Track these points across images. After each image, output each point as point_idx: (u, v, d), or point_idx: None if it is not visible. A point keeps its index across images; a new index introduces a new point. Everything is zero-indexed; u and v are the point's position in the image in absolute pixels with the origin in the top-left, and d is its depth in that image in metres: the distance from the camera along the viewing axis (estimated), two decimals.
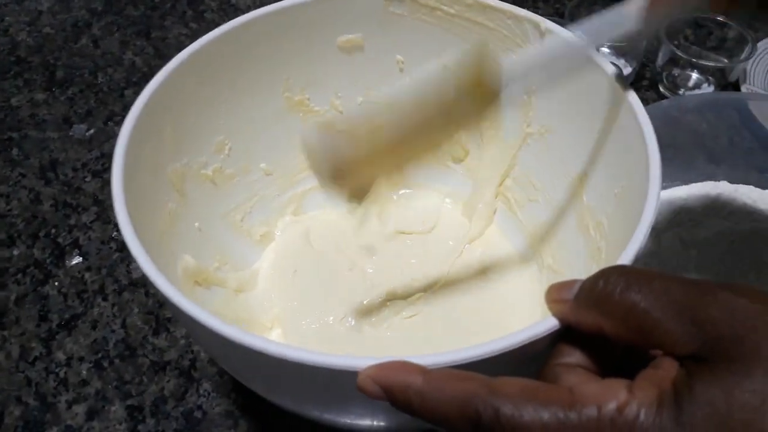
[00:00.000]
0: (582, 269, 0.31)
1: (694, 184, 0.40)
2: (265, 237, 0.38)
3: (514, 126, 0.36)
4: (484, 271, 0.36)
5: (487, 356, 0.20)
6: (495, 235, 0.38)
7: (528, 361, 0.22)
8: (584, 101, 0.32)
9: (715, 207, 0.39)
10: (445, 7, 0.34)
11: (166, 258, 0.29)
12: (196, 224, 0.33)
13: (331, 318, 0.34)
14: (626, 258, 0.23)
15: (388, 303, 0.35)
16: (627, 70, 0.53)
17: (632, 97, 0.28)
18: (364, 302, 0.35)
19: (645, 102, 0.29)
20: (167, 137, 0.31)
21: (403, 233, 0.39)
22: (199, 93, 0.33)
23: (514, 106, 0.36)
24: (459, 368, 0.20)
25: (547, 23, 0.32)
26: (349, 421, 0.25)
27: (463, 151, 0.39)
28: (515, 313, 0.34)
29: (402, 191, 0.41)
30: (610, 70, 0.29)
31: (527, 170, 0.36)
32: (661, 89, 0.53)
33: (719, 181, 0.40)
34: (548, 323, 0.21)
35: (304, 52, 0.36)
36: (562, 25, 0.52)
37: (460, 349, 0.20)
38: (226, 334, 0.21)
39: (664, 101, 0.42)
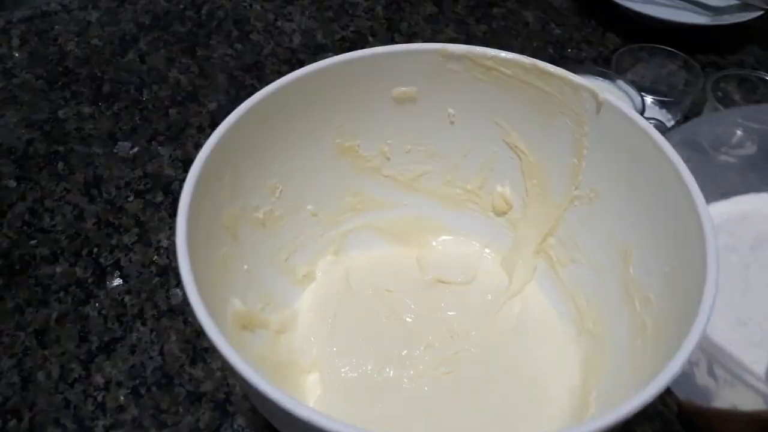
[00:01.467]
0: (624, 340, 0.32)
1: None
2: (307, 277, 0.39)
3: (562, 187, 0.36)
4: (522, 329, 0.37)
5: None
6: (534, 293, 0.38)
7: None
8: (635, 171, 0.32)
9: None
10: (501, 68, 0.35)
11: (218, 303, 0.30)
12: (245, 266, 0.34)
13: (370, 367, 0.35)
14: (684, 352, 0.23)
15: (426, 357, 0.35)
16: (670, 124, 0.53)
17: (689, 179, 0.28)
18: (403, 353, 0.36)
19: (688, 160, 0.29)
20: (226, 183, 0.32)
21: (443, 282, 0.39)
22: (258, 139, 0.33)
23: (562, 167, 0.36)
24: None
25: (605, 94, 0.32)
26: None
27: (506, 204, 0.40)
28: (551, 376, 0.34)
29: (442, 238, 0.42)
30: (671, 154, 0.29)
31: (572, 232, 0.37)
32: (705, 145, 0.53)
33: None
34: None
35: (359, 101, 0.36)
36: (607, 76, 0.52)
37: None
38: (265, 393, 0.21)
39: None
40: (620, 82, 0.50)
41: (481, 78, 0.36)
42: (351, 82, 0.35)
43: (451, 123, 0.38)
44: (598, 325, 0.34)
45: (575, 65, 0.57)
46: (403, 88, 0.36)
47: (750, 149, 0.51)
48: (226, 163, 0.31)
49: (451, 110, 0.38)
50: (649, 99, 0.51)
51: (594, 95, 0.33)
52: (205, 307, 0.24)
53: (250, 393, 0.26)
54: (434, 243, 0.42)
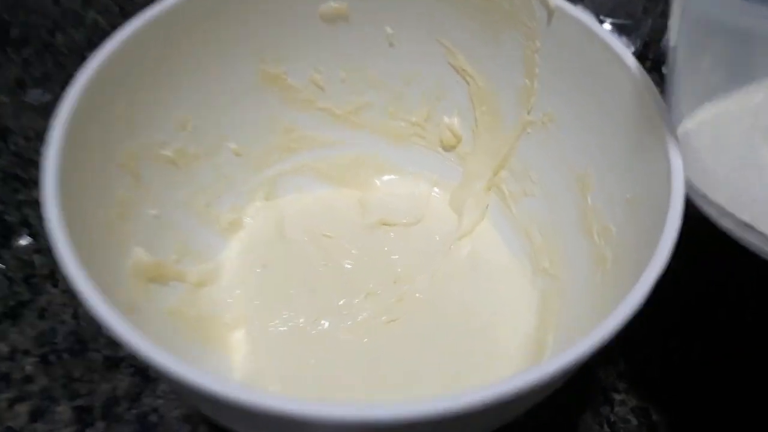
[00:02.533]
0: (583, 277, 0.28)
1: None
2: (234, 224, 0.35)
3: (513, 113, 0.33)
4: (472, 272, 0.33)
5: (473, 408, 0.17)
6: (487, 232, 0.35)
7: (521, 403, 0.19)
8: (593, 89, 0.29)
9: None
10: None
11: (114, 254, 0.25)
12: (153, 212, 0.29)
13: (302, 320, 0.31)
14: (641, 289, 0.20)
15: (367, 306, 0.32)
16: (630, 50, 0.50)
17: (653, 94, 0.25)
18: (340, 303, 0.32)
19: None
20: (120, 113, 0.27)
21: (387, 224, 0.36)
22: (160, 63, 0.28)
23: (513, 90, 0.32)
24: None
25: (557, 0, 0.28)
26: None
27: (455, 137, 0.36)
28: (504, 320, 0.31)
29: (387, 177, 0.38)
30: (632, 65, 0.26)
31: (525, 162, 0.33)
32: (663, 71, 0.50)
33: None
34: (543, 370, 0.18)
35: (282, 21, 0.32)
36: None
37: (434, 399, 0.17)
38: (170, 371, 0.17)
39: None
40: (577, 7, 0.47)
41: None
42: None
43: (390, 45, 0.34)
44: (555, 262, 0.31)
45: None
46: (332, 3, 0.32)
47: None
48: (119, 88, 0.26)
49: (389, 29, 0.33)
50: (608, 25, 0.48)
51: (544, 1, 0.29)
52: (75, 256, 0.20)
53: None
54: (378, 183, 0.38)
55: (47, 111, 0.45)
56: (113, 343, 0.34)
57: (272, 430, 0.19)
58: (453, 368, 0.30)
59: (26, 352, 0.34)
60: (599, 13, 0.48)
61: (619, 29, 0.49)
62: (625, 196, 0.27)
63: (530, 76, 0.31)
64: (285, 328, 0.31)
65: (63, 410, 0.32)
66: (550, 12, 0.29)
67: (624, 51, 0.27)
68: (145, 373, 0.34)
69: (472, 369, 0.30)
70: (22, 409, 0.33)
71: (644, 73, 0.26)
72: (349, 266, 0.33)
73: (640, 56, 0.50)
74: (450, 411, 0.17)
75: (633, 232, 0.25)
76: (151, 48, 0.28)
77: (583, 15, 0.28)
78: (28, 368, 0.34)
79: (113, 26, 0.51)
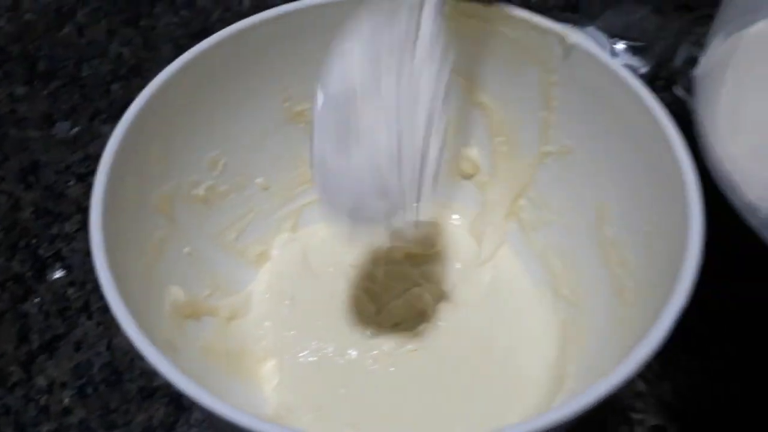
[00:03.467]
0: (603, 305, 0.29)
1: None
2: (261, 257, 0.36)
3: (531, 144, 0.34)
4: (494, 299, 0.34)
5: None
6: (506, 259, 0.35)
7: None
8: (609, 121, 0.29)
9: None
10: (462, 16, 0.31)
11: (152, 294, 0.27)
12: (186, 249, 0.31)
13: (331, 350, 0.32)
14: (666, 321, 0.20)
15: (392, 335, 0.33)
16: (643, 70, 0.50)
17: (670, 128, 0.26)
18: (368, 332, 0.33)
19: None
20: (154, 157, 0.28)
21: (409, 253, 0.36)
22: (191, 106, 0.30)
23: (531, 122, 0.33)
24: None
25: (574, 37, 0.29)
26: None
27: (473, 166, 0.37)
28: (526, 348, 0.32)
29: None
30: (648, 99, 0.26)
31: (544, 192, 0.34)
32: (674, 92, 0.50)
33: None
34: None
35: (306, 60, 0.33)
36: (575, 24, 0.49)
37: None
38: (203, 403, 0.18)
39: None
40: (590, 29, 0.47)
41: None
42: (297, 37, 0.32)
43: None
44: (576, 291, 0.32)
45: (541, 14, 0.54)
46: None
47: None
48: (153, 135, 0.28)
49: None
50: (620, 45, 0.49)
51: (561, 39, 0.30)
52: (124, 303, 0.21)
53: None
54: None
55: (76, 144, 0.47)
56: (148, 373, 0.36)
57: None
58: (473, 398, 0.30)
59: (63, 385, 0.36)
60: (612, 34, 0.49)
61: (632, 50, 0.50)
62: (643, 228, 0.27)
63: (548, 109, 0.32)
64: (314, 359, 0.32)
65: None
66: (567, 48, 0.30)
67: (639, 85, 0.27)
68: (179, 402, 0.35)
69: (494, 398, 0.30)
70: None
71: (660, 105, 0.27)
72: (373, 296, 0.34)
73: (652, 77, 0.51)
74: None
75: (653, 264, 0.26)
76: (181, 94, 0.29)
77: (598, 50, 0.29)
78: (66, 401, 0.35)
79: (137, 58, 0.53)
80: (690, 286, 0.22)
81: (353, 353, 0.32)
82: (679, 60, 0.49)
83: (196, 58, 0.29)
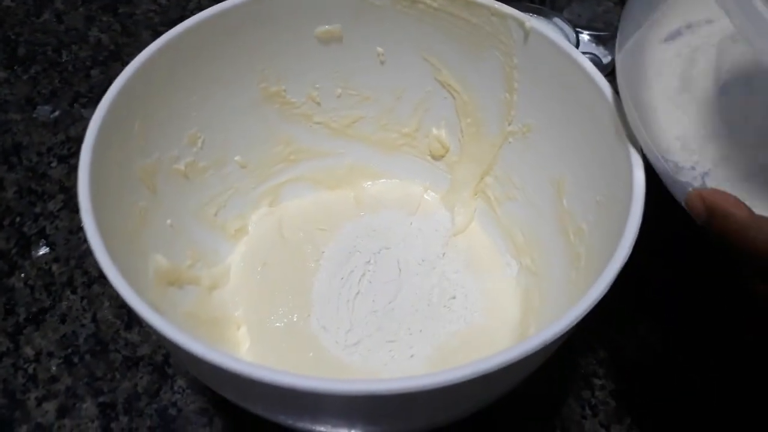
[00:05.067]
0: (560, 274, 0.31)
1: None
2: (240, 231, 0.38)
3: (496, 124, 0.36)
4: (464, 267, 0.36)
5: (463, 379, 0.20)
6: (476, 234, 0.38)
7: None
8: (566, 102, 0.31)
9: None
10: (427, 1, 0.33)
11: (137, 260, 0.28)
12: (168, 221, 0.32)
13: (296, 316, 0.34)
14: (607, 276, 0.23)
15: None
16: (606, 59, 0.53)
17: (617, 107, 0.28)
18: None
19: None
20: (137, 132, 0.30)
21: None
22: (171, 85, 0.31)
23: (495, 103, 0.35)
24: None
25: (531, 21, 0.31)
26: (324, 430, 0.25)
27: (443, 147, 0.39)
28: (495, 313, 0.34)
29: (382, 180, 0.41)
30: (599, 80, 0.29)
31: (508, 169, 0.36)
32: None
33: None
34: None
35: (281, 42, 0.34)
36: (542, 14, 0.51)
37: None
38: (191, 350, 0.20)
39: None
40: (556, 20, 0.50)
41: (407, 12, 0.34)
42: (271, 20, 0.33)
43: (381, 63, 0.37)
44: (536, 260, 0.34)
45: (509, 3, 0.56)
46: (327, 27, 0.35)
47: None
48: (135, 111, 0.29)
49: (379, 49, 0.36)
50: (585, 36, 0.51)
51: (520, 23, 0.32)
52: (112, 261, 0.23)
53: (172, 350, 0.25)
54: (373, 187, 0.41)
55: (57, 127, 0.48)
56: (132, 344, 0.37)
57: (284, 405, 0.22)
58: (445, 352, 0.33)
59: (50, 354, 0.37)
60: (578, 25, 0.51)
61: (597, 40, 0.52)
62: (596, 198, 0.29)
63: (510, 91, 0.34)
64: (281, 325, 0.34)
65: (88, 407, 0.35)
66: (526, 32, 0.32)
67: (592, 68, 0.30)
68: (162, 371, 0.36)
69: (463, 358, 0.33)
70: (50, 406, 0.35)
71: (610, 87, 0.29)
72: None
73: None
74: (446, 382, 0.20)
75: (602, 231, 0.28)
76: (161, 73, 0.30)
77: (555, 35, 0.31)
78: (53, 369, 0.36)
79: (116, 44, 0.54)
80: (630, 244, 0.24)
81: (319, 320, 0.34)
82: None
83: (175, 38, 0.30)
